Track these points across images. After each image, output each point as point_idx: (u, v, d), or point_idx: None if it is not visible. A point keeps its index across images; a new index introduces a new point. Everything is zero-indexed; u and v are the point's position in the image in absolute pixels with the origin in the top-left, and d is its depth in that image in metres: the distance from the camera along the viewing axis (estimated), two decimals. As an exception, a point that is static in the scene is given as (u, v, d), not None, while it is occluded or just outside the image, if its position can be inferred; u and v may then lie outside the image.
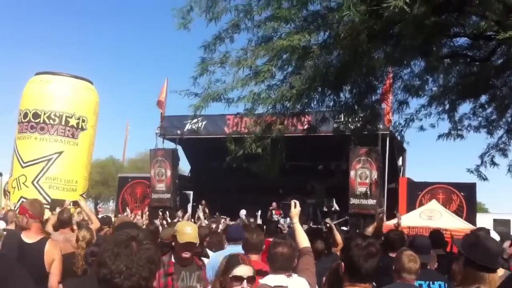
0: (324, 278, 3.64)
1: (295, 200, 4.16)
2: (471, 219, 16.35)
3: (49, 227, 6.64)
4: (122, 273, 1.89)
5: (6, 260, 3.05)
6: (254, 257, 4.70)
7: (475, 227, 11.60)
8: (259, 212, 17.16)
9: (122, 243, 1.97)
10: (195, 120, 19.77)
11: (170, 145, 22.20)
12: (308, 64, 6.31)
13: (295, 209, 4.15)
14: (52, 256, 4.91)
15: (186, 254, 4.15)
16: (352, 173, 17.84)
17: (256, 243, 4.80)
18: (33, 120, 16.19)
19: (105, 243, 2.02)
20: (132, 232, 2.06)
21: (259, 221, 15.88)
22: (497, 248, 3.07)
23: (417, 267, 4.15)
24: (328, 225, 9.16)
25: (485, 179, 10.10)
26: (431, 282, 4.80)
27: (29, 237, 5.06)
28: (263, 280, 3.61)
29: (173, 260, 4.14)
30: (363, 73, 7.57)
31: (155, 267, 2.02)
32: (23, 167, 16.23)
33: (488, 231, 3.33)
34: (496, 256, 3.03)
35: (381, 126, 13.18)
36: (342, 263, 2.85)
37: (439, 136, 9.70)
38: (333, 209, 19.55)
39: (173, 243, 4.28)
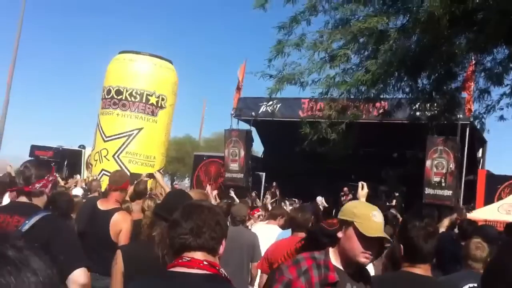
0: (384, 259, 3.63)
1: (362, 182, 4.15)
2: (554, 217, 15.54)
3: (126, 198, 6.92)
4: (193, 230, 2.03)
5: (53, 221, 3.16)
6: (300, 234, 4.74)
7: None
8: (320, 198, 16.97)
9: (194, 207, 2.15)
10: (270, 103, 19.87)
11: (244, 126, 22.44)
12: (385, 48, 6.20)
13: (362, 191, 4.14)
14: (119, 226, 5.01)
15: (366, 257, 2.49)
16: (428, 162, 17.35)
17: (301, 222, 4.85)
18: (115, 97, 16.84)
19: (181, 208, 2.17)
20: (203, 201, 2.27)
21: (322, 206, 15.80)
22: None
23: (484, 255, 4.05)
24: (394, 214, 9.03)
25: None
26: None
27: (103, 205, 5.26)
28: None
29: (333, 261, 2.55)
30: (443, 59, 7.33)
31: (223, 231, 2.14)
32: (105, 141, 16.94)
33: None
34: None
35: (461, 115, 12.77)
36: (401, 245, 2.83)
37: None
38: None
39: (338, 233, 2.57)
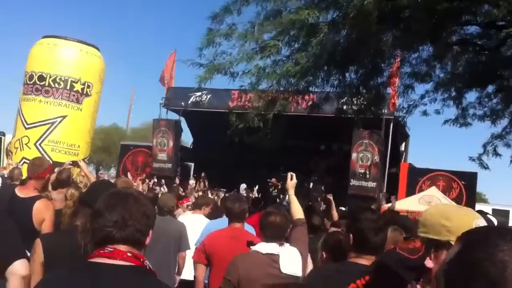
0: (323, 253, 3.65)
1: (291, 173, 4.19)
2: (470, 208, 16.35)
3: (48, 187, 6.66)
4: (118, 223, 1.91)
5: None
6: (238, 225, 4.78)
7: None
8: (257, 187, 17.20)
9: (120, 196, 2.01)
10: (200, 93, 19.75)
11: (173, 116, 22.24)
12: (315, 42, 6.26)
13: (291, 181, 4.18)
14: (42, 215, 4.88)
15: None
16: (354, 155, 17.86)
17: (238, 212, 4.82)
18: (38, 83, 16.12)
19: (102, 195, 2.05)
20: (129, 190, 2.12)
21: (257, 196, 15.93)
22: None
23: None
24: (329, 199, 9.18)
25: (486, 168, 10.13)
26: None
27: (22, 193, 5.06)
28: (255, 247, 3.64)
29: None
30: (371, 55, 7.52)
31: (150, 223, 2.03)
32: (26, 129, 16.22)
33: (484, 214, 3.31)
34: None
35: (385, 110, 13.18)
36: (351, 235, 2.83)
37: (445, 121, 9.69)
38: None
39: (427, 262, 1.90)
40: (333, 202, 8.83)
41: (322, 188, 20.13)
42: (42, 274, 3.31)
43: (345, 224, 3.08)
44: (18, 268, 2.86)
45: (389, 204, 10.69)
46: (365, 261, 2.75)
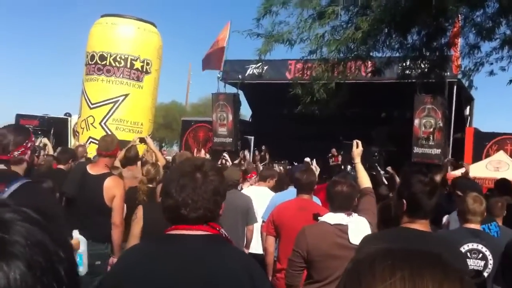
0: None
1: (357, 140, 4.10)
2: (541, 172, 15.69)
3: (116, 163, 6.81)
4: (188, 205, 1.90)
5: (34, 188, 3.09)
6: (305, 197, 4.77)
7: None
8: (314, 161, 17.04)
9: (187, 175, 1.96)
10: (256, 65, 19.63)
11: (231, 89, 22.26)
12: (374, 4, 6.06)
13: (357, 149, 4.10)
14: (112, 191, 4.96)
15: None
16: (416, 121, 17.36)
17: (306, 183, 4.80)
18: (99, 62, 16.51)
19: (171, 173, 2.03)
20: (197, 162, 2.04)
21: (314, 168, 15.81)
22: None
23: (482, 209, 4.07)
24: (391, 172, 9.02)
25: (558, 129, 9.64)
26: (488, 225, 4.70)
27: (93, 170, 5.17)
28: (323, 218, 3.61)
29: None
30: (433, 14, 7.21)
31: (221, 199, 2.01)
32: (91, 108, 16.69)
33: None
34: None
35: (448, 73, 12.70)
36: (404, 200, 2.77)
37: (510, 81, 9.23)
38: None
39: None
40: (395, 174, 8.68)
41: (382, 158, 19.84)
42: (140, 239, 3.46)
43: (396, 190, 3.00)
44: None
45: (462, 170, 10.32)
46: (419, 225, 2.70)
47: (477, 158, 17.26)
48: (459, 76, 12.30)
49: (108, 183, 4.99)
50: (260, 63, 19.20)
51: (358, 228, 3.47)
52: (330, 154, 19.26)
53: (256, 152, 20.04)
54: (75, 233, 4.05)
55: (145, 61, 16.77)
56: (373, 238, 3.01)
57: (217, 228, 1.97)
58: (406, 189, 2.77)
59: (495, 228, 4.74)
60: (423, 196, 2.70)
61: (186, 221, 1.92)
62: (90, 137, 15.61)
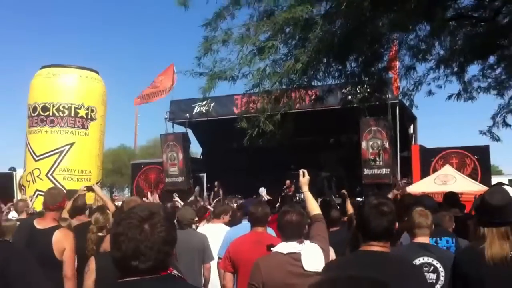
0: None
1: (303, 170, 4.18)
2: (486, 182, 16.23)
3: (64, 214, 6.67)
4: (138, 258, 1.88)
5: (8, 244, 3.06)
6: (260, 229, 4.81)
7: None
8: (262, 190, 17.05)
9: (135, 228, 1.92)
10: (203, 103, 19.72)
11: (180, 129, 22.26)
12: (312, 36, 6.24)
13: (304, 178, 4.17)
14: (62, 244, 4.87)
15: None
16: (363, 143, 17.78)
17: (261, 216, 4.84)
18: (42, 114, 16.22)
19: (118, 225, 2.00)
20: (143, 213, 1.98)
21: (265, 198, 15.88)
22: (500, 201, 3.04)
23: (429, 222, 4.16)
24: (343, 193, 9.20)
25: (498, 139, 10.10)
26: (438, 238, 4.83)
27: (40, 224, 5.07)
28: (275, 248, 3.63)
29: None
30: (368, 41, 7.49)
31: (171, 248, 1.99)
32: (36, 161, 16.30)
33: (501, 185, 3.30)
34: (499, 210, 3.01)
35: (389, 95, 13.12)
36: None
37: (449, 97, 9.63)
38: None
39: None
40: (347, 196, 8.85)
41: (333, 183, 20.16)
42: None
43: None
44: None
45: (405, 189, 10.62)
46: (375, 247, 2.74)
47: (425, 173, 17.74)
48: (400, 97, 12.71)
49: (57, 236, 4.91)
50: (206, 101, 19.32)
51: (311, 254, 3.50)
52: (285, 186, 19.38)
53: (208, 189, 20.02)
54: None
55: (90, 108, 16.59)
56: (333, 265, 3.05)
57: (168, 271, 1.96)
58: (358, 211, 2.84)
59: (447, 244, 4.87)
60: (368, 217, 2.75)
61: (136, 272, 1.90)
62: (37, 190, 15.19)
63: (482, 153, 18.02)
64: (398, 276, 2.56)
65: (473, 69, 9.77)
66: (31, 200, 11.35)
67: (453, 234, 5.20)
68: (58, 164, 16.17)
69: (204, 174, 21.89)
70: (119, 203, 9.98)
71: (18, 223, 6.40)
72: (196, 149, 28.98)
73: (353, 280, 0.94)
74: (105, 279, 3.26)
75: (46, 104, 16.18)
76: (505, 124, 9.94)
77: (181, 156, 20.76)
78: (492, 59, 9.43)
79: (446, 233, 5.07)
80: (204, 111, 20.56)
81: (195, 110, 20.96)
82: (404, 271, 2.73)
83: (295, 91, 8.01)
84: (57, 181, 15.75)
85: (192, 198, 11.77)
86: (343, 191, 9.41)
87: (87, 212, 6.86)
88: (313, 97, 9.29)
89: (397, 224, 2.83)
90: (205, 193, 20.03)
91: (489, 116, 10.08)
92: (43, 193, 5.95)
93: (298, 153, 19.18)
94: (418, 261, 3.95)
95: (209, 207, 10.26)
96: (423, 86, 9.33)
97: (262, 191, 16.92)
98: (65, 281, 4.78)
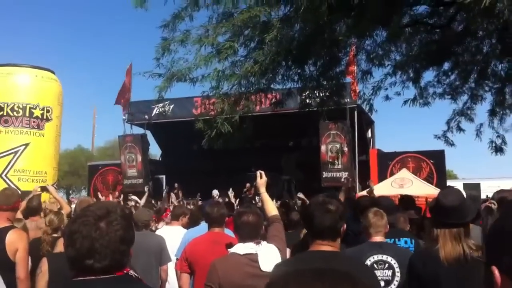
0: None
1: (260, 171, 4.19)
2: (441, 186, 16.57)
3: (19, 215, 6.51)
4: (93, 256, 1.84)
5: None
6: (217, 230, 4.79)
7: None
8: (231, 191, 17.14)
9: (91, 225, 1.88)
10: (162, 104, 19.58)
11: (139, 130, 22.02)
12: (270, 38, 6.26)
13: (261, 180, 4.17)
14: (15, 245, 4.77)
15: None
16: (322, 147, 17.98)
17: (217, 217, 4.83)
18: (-4, 114, 15.81)
19: (73, 223, 1.95)
20: (99, 211, 1.94)
21: (232, 200, 15.87)
22: (454, 202, 3.11)
23: (383, 222, 4.22)
24: (301, 198, 9.27)
25: (452, 144, 10.34)
26: (396, 239, 4.91)
27: None
28: (232, 249, 3.62)
29: None
30: (326, 46, 7.56)
31: (127, 247, 1.95)
32: (-11, 161, 15.88)
33: (452, 188, 3.39)
34: (453, 210, 3.07)
35: (348, 99, 13.32)
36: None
37: (405, 102, 9.81)
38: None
39: None
40: (306, 200, 8.92)
41: (292, 186, 20.28)
42: None
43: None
44: None
45: (366, 191, 10.78)
46: (324, 247, 2.75)
47: (382, 177, 18.06)
48: (358, 102, 12.90)
49: (10, 236, 4.80)
50: (165, 102, 19.16)
51: (268, 255, 3.51)
52: (245, 189, 19.38)
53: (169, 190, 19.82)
54: None
55: (45, 108, 16.23)
56: (283, 264, 3.06)
57: (125, 271, 1.92)
58: (303, 212, 2.85)
59: (405, 244, 4.95)
60: (312, 214, 2.76)
61: (91, 271, 1.85)
62: (-10, 191, 14.76)
63: (437, 157, 18.46)
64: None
65: (429, 75, 10.02)
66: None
67: (412, 235, 5.29)
68: (13, 165, 15.76)
69: (164, 176, 21.70)
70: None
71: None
72: (155, 151, 28.75)
73: (322, 272, 0.96)
74: (58, 280, 3.18)
75: (0, 104, 15.77)
76: (459, 129, 10.19)
77: (139, 157, 20.54)
78: (446, 65, 9.67)
79: (405, 234, 5.15)
80: (163, 112, 20.38)
81: (154, 112, 20.78)
82: (354, 268, 2.74)
83: (255, 94, 8.01)
84: (11, 182, 15.35)
85: (144, 198, 11.48)
86: (301, 195, 9.48)
87: (42, 214, 6.71)
88: (273, 100, 9.34)
89: (344, 226, 2.84)
90: (164, 195, 19.86)
91: (444, 121, 10.32)
92: (-4, 194, 5.78)
93: (258, 156, 19.22)
94: (372, 258, 4.01)
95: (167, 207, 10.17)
96: (381, 91, 9.47)
97: (215, 192, 16.92)
98: (18, 283, 4.67)
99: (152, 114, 20.84)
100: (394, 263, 4.00)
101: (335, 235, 2.79)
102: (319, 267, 0.98)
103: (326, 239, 2.76)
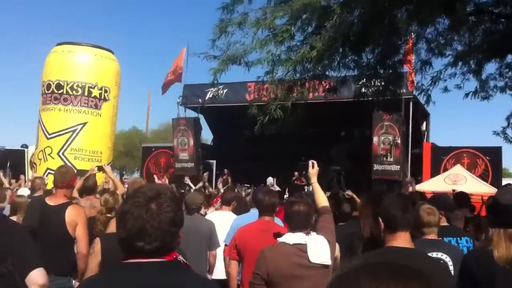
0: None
1: (312, 161, 4.13)
2: (496, 184, 16.05)
3: (75, 193, 6.66)
4: (143, 238, 1.84)
5: (1, 222, 3.06)
6: (267, 218, 4.76)
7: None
8: (274, 180, 17.08)
9: (141, 206, 1.88)
10: (216, 88, 19.65)
11: (192, 114, 22.25)
12: (328, 24, 6.14)
13: (313, 169, 4.12)
14: (75, 220, 4.89)
15: None
16: (375, 139, 17.67)
17: (268, 205, 4.79)
18: (56, 91, 16.27)
19: (125, 204, 1.96)
20: (150, 192, 1.94)
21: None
22: (510, 201, 2.98)
23: (437, 219, 4.10)
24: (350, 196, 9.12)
25: (511, 141, 9.94)
26: (458, 238, 4.75)
27: (52, 201, 5.09)
28: (281, 239, 3.60)
29: None
30: (385, 33, 7.36)
31: (177, 229, 1.94)
32: (48, 139, 16.38)
33: (510, 187, 3.24)
34: (508, 209, 2.96)
35: (403, 90, 12.98)
36: (380, 219, 2.82)
37: (466, 95, 9.46)
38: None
39: None
40: (355, 196, 8.77)
41: (342, 177, 20.05)
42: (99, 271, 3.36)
43: (370, 214, 3.09)
44: (36, 277, 2.85)
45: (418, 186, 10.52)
46: (400, 241, 2.78)
47: (435, 172, 17.62)
48: (415, 92, 12.57)
49: (70, 212, 4.93)
50: (219, 86, 19.24)
51: (317, 246, 3.47)
52: (294, 177, 19.31)
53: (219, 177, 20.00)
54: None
55: (103, 88, 16.61)
56: (354, 259, 3.07)
57: (174, 256, 1.91)
58: (381, 208, 2.84)
59: (466, 244, 4.80)
60: (396, 209, 2.78)
61: (141, 253, 1.85)
62: (48, 168, 15.28)
63: (494, 154, 17.87)
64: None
65: (490, 67, 9.61)
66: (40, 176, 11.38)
67: (470, 234, 5.13)
68: (70, 143, 16.24)
69: (214, 161, 21.86)
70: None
71: (29, 200, 6.42)
72: (207, 136, 29.00)
73: (395, 268, 0.94)
74: (110, 261, 3.22)
75: (60, 82, 16.22)
76: (520, 126, 9.80)
77: (191, 141, 20.75)
78: (510, 57, 9.26)
79: (465, 233, 5.00)
80: (216, 96, 20.47)
81: (207, 96, 20.87)
82: (430, 268, 2.74)
83: (309, 80, 7.91)
84: (68, 160, 15.82)
85: (200, 184, 11.75)
86: (350, 192, 9.29)
87: (97, 194, 6.84)
88: (327, 87, 9.20)
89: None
90: (214, 180, 20.04)
91: (504, 117, 9.93)
92: (53, 172, 5.95)
93: (309, 145, 19.09)
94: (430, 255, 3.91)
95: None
96: (439, 82, 9.17)
97: (269, 180, 16.89)
98: (78, 258, 4.80)
99: (206, 98, 20.94)
100: (449, 261, 3.89)
101: (409, 227, 2.86)
102: (392, 262, 0.96)
103: (402, 231, 2.82)
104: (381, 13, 6.30)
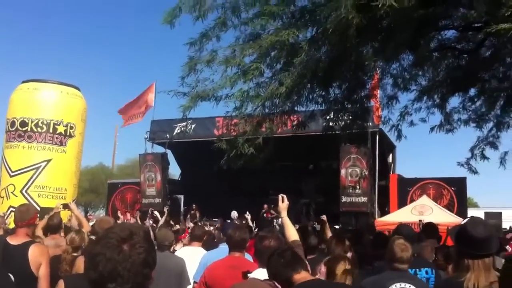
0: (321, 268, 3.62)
1: (282, 195, 4.14)
2: (462, 214, 16.35)
3: (38, 232, 6.50)
4: (116, 280, 1.79)
5: None
6: (237, 254, 4.72)
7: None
8: (247, 214, 17.05)
9: (114, 248, 1.83)
10: (184, 123, 19.65)
11: (159, 149, 22.13)
12: (297, 61, 6.22)
13: (283, 204, 4.13)
14: (38, 259, 4.76)
15: None
16: (342, 171, 17.85)
17: (238, 241, 4.75)
18: (20, 129, 16.02)
19: (95, 245, 1.90)
20: (123, 233, 1.89)
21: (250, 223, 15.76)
22: (483, 233, 3.03)
23: (409, 255, 4.12)
24: (322, 220, 9.17)
25: (475, 172, 10.12)
26: (417, 269, 4.79)
27: (14, 240, 4.95)
28: (252, 275, 3.56)
29: None
30: (352, 69, 7.51)
31: (150, 270, 1.90)
32: (11, 176, 16.04)
33: (478, 219, 3.30)
34: (482, 242, 3.01)
35: (370, 123, 13.19)
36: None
37: (431, 129, 9.65)
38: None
39: None
40: (326, 223, 8.82)
41: (311, 209, 20.12)
42: None
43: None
44: None
45: (386, 217, 10.65)
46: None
47: (402, 203, 17.83)
48: (382, 127, 12.79)
49: (33, 251, 4.79)
50: (187, 122, 19.23)
51: None
52: (263, 210, 19.26)
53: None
54: None
55: (69, 125, 16.42)
56: None
57: None
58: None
59: (426, 275, 4.83)
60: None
61: None
62: (10, 206, 14.90)
63: (459, 184, 18.21)
64: None
65: (454, 101, 9.87)
66: (5, 217, 11.08)
67: (433, 265, 5.17)
68: (34, 180, 15.93)
69: (182, 196, 21.70)
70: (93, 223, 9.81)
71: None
72: (175, 171, 28.81)
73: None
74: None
75: (25, 119, 15.98)
76: (483, 157, 9.99)
77: (159, 177, 20.61)
78: (472, 91, 9.53)
79: (426, 264, 5.04)
80: (184, 131, 20.44)
81: (175, 131, 20.85)
82: None
83: (278, 115, 7.97)
84: (31, 198, 15.50)
85: (163, 219, 11.52)
86: (323, 216, 9.36)
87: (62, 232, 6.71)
88: (295, 122, 9.28)
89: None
90: (181, 215, 19.84)
91: (468, 148, 10.14)
92: (15, 210, 5.81)
93: (277, 178, 19.14)
94: (394, 286, 3.92)
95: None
96: (407, 117, 9.36)
97: (234, 214, 16.81)
98: None
99: (174, 133, 20.90)
100: None
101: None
102: None
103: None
104: (348, 50, 6.42)
